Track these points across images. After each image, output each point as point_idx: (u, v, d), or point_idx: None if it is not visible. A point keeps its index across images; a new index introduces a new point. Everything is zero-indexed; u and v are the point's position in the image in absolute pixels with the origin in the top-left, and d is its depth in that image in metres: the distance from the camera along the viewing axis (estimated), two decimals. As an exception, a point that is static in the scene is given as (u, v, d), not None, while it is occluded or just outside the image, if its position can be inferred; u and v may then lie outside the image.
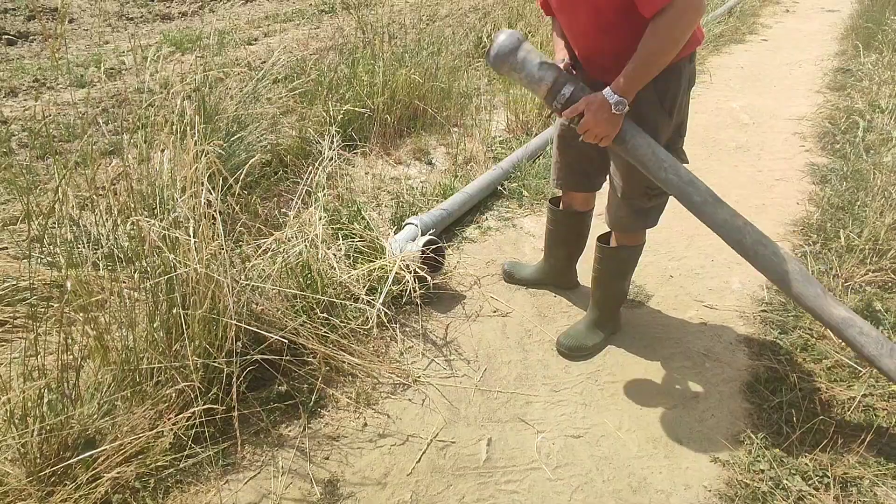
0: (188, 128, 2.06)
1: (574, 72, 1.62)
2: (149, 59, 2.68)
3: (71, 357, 1.53)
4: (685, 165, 1.56)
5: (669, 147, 1.57)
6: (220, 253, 1.55)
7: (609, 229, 1.83)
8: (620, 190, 1.65)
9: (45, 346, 1.48)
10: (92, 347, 1.58)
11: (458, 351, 1.94)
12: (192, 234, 1.48)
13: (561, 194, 2.00)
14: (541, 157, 3.13)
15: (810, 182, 3.00)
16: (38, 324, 1.47)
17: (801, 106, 3.98)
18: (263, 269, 1.70)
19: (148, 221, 1.46)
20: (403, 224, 2.38)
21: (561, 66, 1.57)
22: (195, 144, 1.67)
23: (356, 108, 3.05)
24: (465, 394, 1.78)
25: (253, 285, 1.62)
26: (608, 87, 1.42)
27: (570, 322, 2.08)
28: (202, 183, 1.66)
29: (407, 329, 2.00)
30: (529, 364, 1.91)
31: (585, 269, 2.20)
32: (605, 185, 1.84)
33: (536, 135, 3.38)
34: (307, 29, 6.53)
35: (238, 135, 2.52)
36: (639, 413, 1.72)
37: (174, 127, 1.98)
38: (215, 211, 1.64)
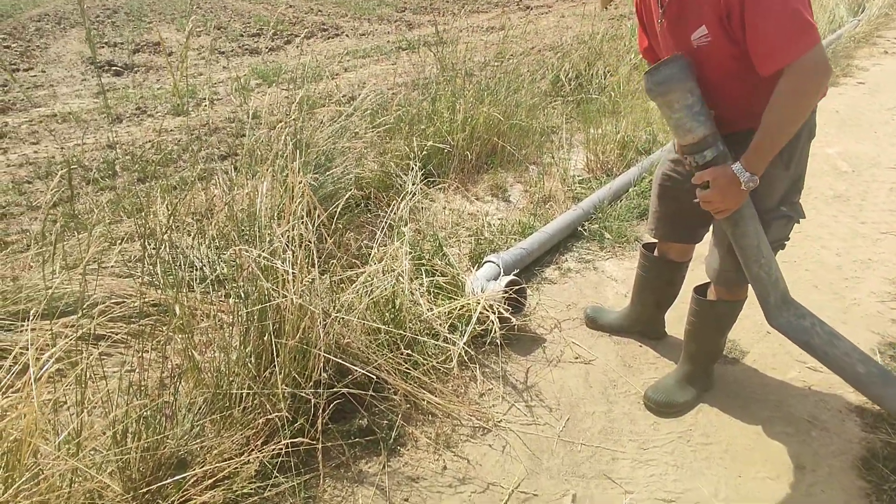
0: (287, 160, 2.15)
1: None
2: (238, 90, 2.84)
3: (167, 376, 1.58)
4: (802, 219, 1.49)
5: (785, 201, 1.49)
6: (313, 284, 1.58)
7: (707, 279, 1.74)
8: (729, 243, 1.56)
9: (144, 363, 1.55)
10: (187, 368, 1.63)
11: (540, 397, 1.87)
12: (289, 265, 1.52)
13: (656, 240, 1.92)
14: (623, 199, 3.06)
15: None
16: (141, 341, 1.53)
17: (905, 154, 3.72)
18: (352, 302, 1.72)
19: (247, 250, 1.50)
20: (483, 262, 2.36)
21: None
22: (293, 176, 1.72)
23: (437, 144, 3.10)
24: (546, 443, 1.71)
25: (342, 318, 1.63)
26: (738, 162, 1.36)
27: (657, 375, 1.97)
28: (298, 215, 1.71)
29: (486, 370, 1.96)
30: (614, 417, 1.82)
31: (673, 316, 2.11)
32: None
33: (616, 175, 3.32)
34: (386, 65, 6.78)
35: (327, 167, 2.60)
36: (737, 482, 1.60)
37: (272, 160, 2.07)
38: (309, 241, 1.69)
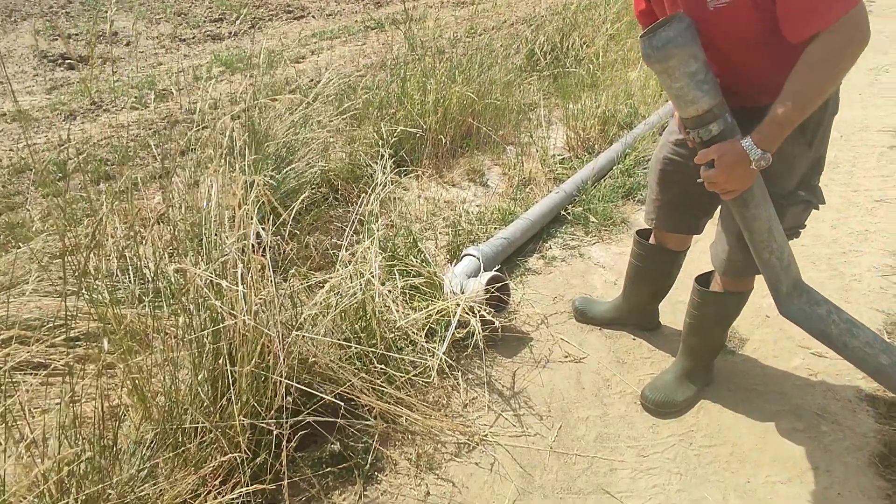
0: (238, 156, 1.94)
1: None
2: (203, 79, 2.61)
3: (109, 408, 1.40)
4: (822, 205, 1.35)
5: (804, 185, 1.33)
6: (270, 301, 1.40)
7: (711, 269, 1.59)
8: (738, 230, 1.40)
9: (79, 397, 1.36)
10: (134, 399, 1.45)
11: (529, 404, 1.73)
12: (240, 281, 1.34)
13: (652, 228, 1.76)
14: (607, 178, 2.90)
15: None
16: (82, 369, 1.35)
17: (894, 116, 3.60)
18: (317, 315, 1.54)
19: (192, 269, 1.31)
20: (461, 255, 2.19)
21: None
22: (244, 175, 1.53)
23: (408, 129, 2.90)
24: (538, 457, 1.56)
25: (306, 336, 1.46)
26: (749, 138, 1.18)
27: (653, 370, 1.84)
28: (251, 218, 1.52)
29: (470, 377, 1.80)
30: (610, 421, 1.68)
31: (665, 304, 1.96)
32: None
33: (599, 153, 3.15)
34: (354, 46, 6.50)
35: (289, 161, 2.39)
36: (746, 488, 1.47)
37: (222, 156, 1.87)
38: (266, 248, 1.50)
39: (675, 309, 2.02)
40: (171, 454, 1.38)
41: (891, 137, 3.34)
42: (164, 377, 1.45)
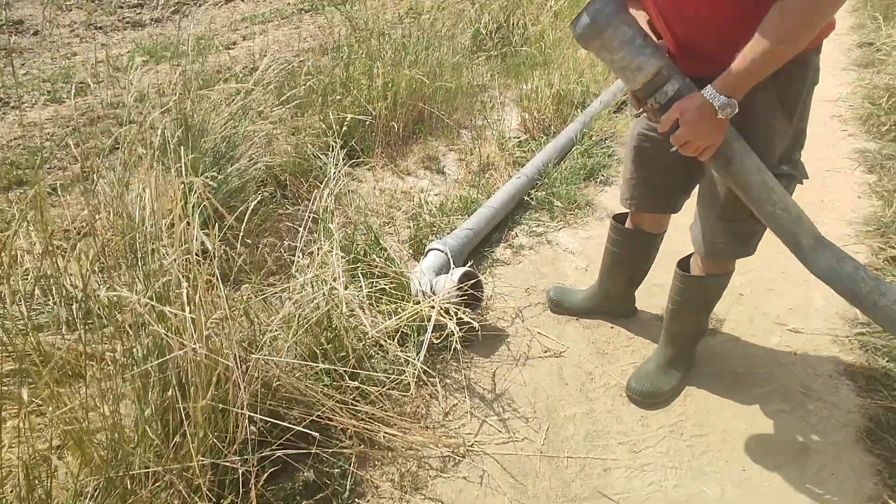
0: (173, 154, 1.73)
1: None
2: (124, 69, 2.34)
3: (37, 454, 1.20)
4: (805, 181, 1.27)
5: (786, 160, 1.27)
6: (223, 320, 1.23)
7: (688, 252, 1.53)
8: (720, 210, 1.33)
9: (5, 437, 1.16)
10: (68, 442, 1.26)
11: (513, 406, 1.63)
12: (186, 303, 1.16)
13: (628, 211, 1.68)
14: (567, 160, 2.82)
15: (865, 171, 2.72)
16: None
17: (831, 86, 3.70)
18: (277, 333, 1.37)
19: (128, 294, 1.12)
20: (426, 250, 2.06)
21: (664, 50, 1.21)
22: (179, 177, 1.34)
23: (357, 116, 2.72)
24: (529, 463, 1.47)
25: (266, 358, 1.29)
26: (709, 86, 1.11)
27: (634, 359, 1.78)
28: (192, 226, 1.33)
29: (447, 381, 1.69)
30: (597, 417, 1.60)
31: (640, 290, 1.91)
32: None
33: (555, 134, 3.07)
34: (288, 29, 6.16)
35: (229, 157, 2.18)
36: (741, 476, 1.43)
37: (154, 156, 1.65)
38: (212, 258, 1.32)
39: (649, 293, 1.96)
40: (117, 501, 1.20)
41: (831, 107, 3.43)
42: (104, 412, 1.26)
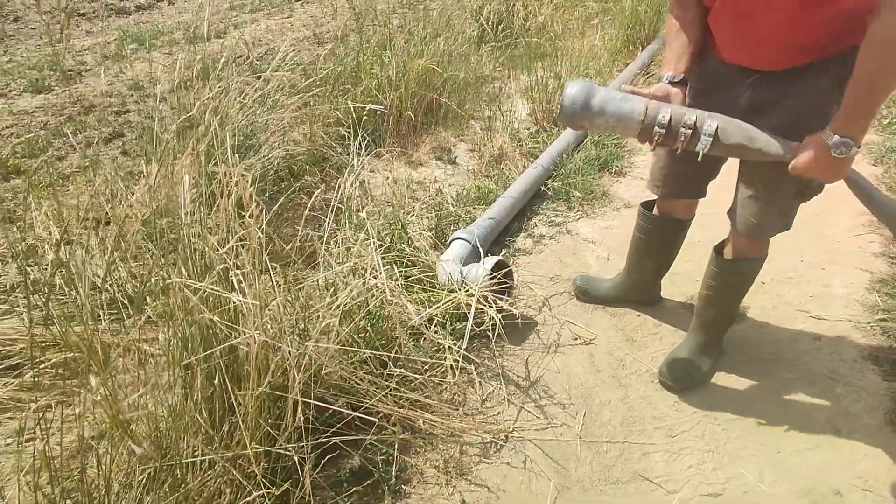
0: (200, 142, 1.70)
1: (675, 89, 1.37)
2: (114, 56, 2.29)
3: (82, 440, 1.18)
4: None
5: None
6: (280, 313, 1.22)
7: (726, 237, 1.55)
8: (769, 188, 1.36)
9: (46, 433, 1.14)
10: (113, 433, 1.23)
11: (548, 393, 1.64)
12: (245, 292, 1.14)
13: (656, 198, 1.70)
14: (580, 151, 2.84)
15: (871, 163, 2.78)
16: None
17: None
18: (329, 323, 1.36)
19: (187, 281, 1.10)
20: (450, 240, 2.06)
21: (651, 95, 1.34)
22: (228, 168, 1.31)
23: (374, 106, 2.69)
24: (570, 449, 1.49)
25: (319, 346, 1.28)
26: (828, 127, 1.14)
27: (663, 346, 1.80)
28: (246, 213, 1.31)
29: (481, 369, 1.69)
30: (632, 403, 1.63)
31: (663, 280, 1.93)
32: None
33: (566, 125, 3.08)
34: (280, 18, 6.07)
35: (248, 146, 2.15)
36: (777, 459, 1.46)
37: (195, 143, 1.62)
38: (262, 248, 1.30)
39: (673, 282, 1.99)
40: (170, 496, 1.18)
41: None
42: (146, 401, 1.24)
